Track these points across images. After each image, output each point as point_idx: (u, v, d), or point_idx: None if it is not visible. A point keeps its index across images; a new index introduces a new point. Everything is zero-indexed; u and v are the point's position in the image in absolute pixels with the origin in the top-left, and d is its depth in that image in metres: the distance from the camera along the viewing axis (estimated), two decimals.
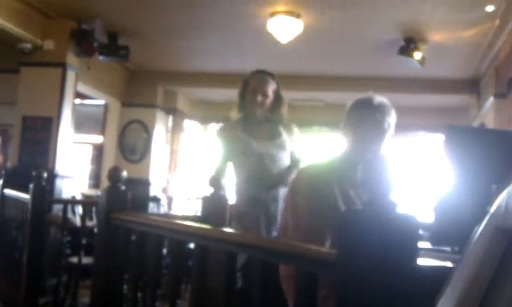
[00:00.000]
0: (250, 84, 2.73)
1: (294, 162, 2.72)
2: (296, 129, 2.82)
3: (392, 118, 1.80)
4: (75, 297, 3.29)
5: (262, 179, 2.59)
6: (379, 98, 1.81)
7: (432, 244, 1.72)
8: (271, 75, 2.78)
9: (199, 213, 3.24)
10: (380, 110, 1.78)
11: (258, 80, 2.74)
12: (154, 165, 7.00)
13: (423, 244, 1.74)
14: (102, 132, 7.10)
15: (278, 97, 2.76)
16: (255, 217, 2.55)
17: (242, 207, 2.62)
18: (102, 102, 7.04)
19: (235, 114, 2.82)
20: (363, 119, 1.78)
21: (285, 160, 2.69)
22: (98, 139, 7.19)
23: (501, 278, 0.63)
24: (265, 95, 2.70)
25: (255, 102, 2.69)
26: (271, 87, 2.74)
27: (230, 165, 2.75)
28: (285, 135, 2.74)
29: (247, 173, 2.65)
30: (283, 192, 2.57)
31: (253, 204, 2.57)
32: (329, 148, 7.83)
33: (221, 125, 2.93)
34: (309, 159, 2.51)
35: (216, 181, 2.70)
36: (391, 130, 1.81)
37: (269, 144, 2.68)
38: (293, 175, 2.52)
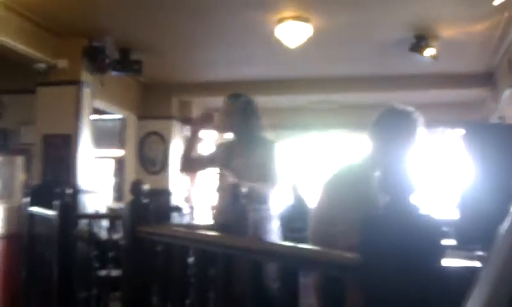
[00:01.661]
0: (223, 109, 3.07)
1: (263, 175, 2.84)
2: (274, 146, 2.99)
3: (419, 129, 1.84)
4: None
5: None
6: (403, 107, 1.85)
7: (458, 241, 1.73)
8: (237, 96, 3.09)
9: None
10: (404, 119, 1.82)
11: (225, 103, 3.08)
12: (174, 175, 7.07)
13: (448, 241, 1.75)
14: (122, 145, 7.21)
15: (245, 114, 3.00)
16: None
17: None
18: (119, 116, 7.15)
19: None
20: (388, 131, 1.81)
21: (253, 176, 2.82)
22: (119, 152, 7.30)
23: None
24: (227, 115, 3.03)
25: (221, 123, 3.08)
26: (232, 107, 3.03)
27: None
28: (259, 151, 2.93)
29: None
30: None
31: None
32: (346, 149, 7.82)
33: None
34: (330, 162, 2.59)
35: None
36: (417, 134, 1.84)
37: (238, 160, 2.94)
38: (264, 186, 2.80)
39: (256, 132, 3.01)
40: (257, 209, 2.79)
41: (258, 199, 2.79)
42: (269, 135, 3.09)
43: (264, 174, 2.83)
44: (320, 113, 7.68)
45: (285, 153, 3.18)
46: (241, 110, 3.01)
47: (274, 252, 1.58)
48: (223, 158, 3.04)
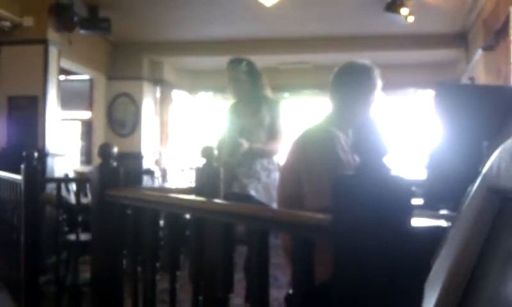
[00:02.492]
0: (227, 74, 3.21)
1: (272, 134, 3.11)
2: (278, 103, 3.26)
3: (376, 79, 1.82)
4: (75, 274, 3.32)
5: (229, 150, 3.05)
6: (362, 62, 1.83)
7: (426, 201, 1.74)
8: (239, 61, 3.22)
9: (193, 184, 3.25)
10: (364, 73, 1.80)
11: (229, 70, 3.20)
12: (145, 138, 6.96)
13: (416, 201, 1.76)
14: (90, 107, 7.03)
15: (252, 77, 3.18)
16: (227, 181, 2.98)
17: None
18: (87, 77, 6.94)
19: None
20: (348, 84, 1.80)
21: (261, 135, 3.10)
22: (86, 114, 7.12)
23: (495, 238, 0.64)
24: (237, 80, 3.16)
25: (232, 89, 3.19)
26: (241, 71, 3.16)
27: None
28: (265, 111, 3.14)
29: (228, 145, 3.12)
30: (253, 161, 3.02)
31: (225, 169, 2.97)
32: (319, 110, 7.82)
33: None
34: (301, 123, 2.67)
35: (207, 152, 2.77)
36: (377, 90, 1.82)
37: (249, 122, 3.12)
38: (271, 145, 3.07)
39: (262, 92, 3.19)
40: (268, 171, 3.07)
41: (269, 160, 3.09)
42: (272, 94, 3.30)
43: (274, 132, 3.10)
44: (293, 74, 7.61)
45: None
46: (246, 74, 3.16)
47: (245, 214, 1.56)
48: (230, 122, 3.20)
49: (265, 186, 3.03)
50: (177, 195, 2.27)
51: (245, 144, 2.98)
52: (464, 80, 6.21)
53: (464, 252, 0.66)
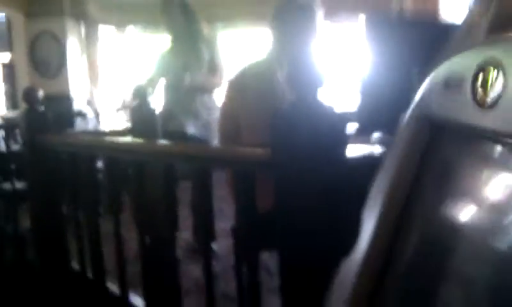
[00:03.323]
0: (161, 12, 3.11)
1: (211, 69, 3.09)
2: (215, 39, 3.44)
3: (317, 18, 1.81)
4: (15, 223, 3.21)
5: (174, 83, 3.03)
6: (305, 1, 1.80)
7: (360, 126, 1.81)
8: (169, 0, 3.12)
9: (129, 125, 3.17)
10: (305, 14, 1.78)
11: (163, 7, 3.09)
12: (73, 78, 6.61)
13: (351, 125, 1.82)
14: (9, 48, 6.52)
15: (187, 14, 3.09)
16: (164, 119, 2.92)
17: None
18: (2, 14, 6.38)
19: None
20: (288, 24, 1.77)
21: (201, 71, 3.07)
22: (6, 56, 6.62)
23: (427, 163, 0.68)
24: (172, 19, 3.07)
25: (166, 26, 3.12)
26: (175, 9, 3.07)
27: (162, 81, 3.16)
28: (203, 48, 3.09)
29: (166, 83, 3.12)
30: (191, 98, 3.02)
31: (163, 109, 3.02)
32: (256, 43, 7.71)
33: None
34: (242, 58, 2.69)
35: (140, 92, 2.71)
36: (317, 28, 1.82)
37: (187, 57, 3.06)
38: (211, 80, 3.06)
39: (198, 29, 3.12)
40: (208, 109, 3.06)
41: (209, 97, 3.08)
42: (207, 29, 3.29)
43: (213, 67, 3.06)
44: (228, 3, 7.38)
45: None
46: (180, 10, 3.08)
47: (185, 154, 1.56)
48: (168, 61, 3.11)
49: (205, 123, 3.02)
50: (114, 138, 2.21)
51: (188, 78, 2.96)
52: (395, 9, 6.29)
53: (400, 176, 0.70)
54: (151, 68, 3.26)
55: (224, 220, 1.99)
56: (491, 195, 0.58)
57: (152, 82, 3.12)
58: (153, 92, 3.12)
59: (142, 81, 3.13)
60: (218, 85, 3.10)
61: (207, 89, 3.08)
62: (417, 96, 0.70)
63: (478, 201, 0.60)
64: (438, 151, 0.66)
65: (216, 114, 2.97)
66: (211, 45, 3.16)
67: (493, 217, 0.56)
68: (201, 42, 3.10)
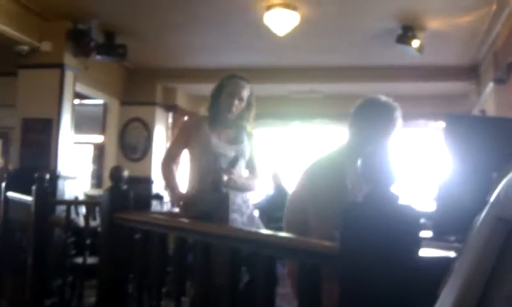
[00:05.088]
0: (227, 87, 2.83)
1: (252, 168, 2.86)
2: (255, 136, 2.94)
3: (397, 119, 1.84)
4: (81, 297, 3.31)
5: (210, 177, 2.62)
6: (385, 99, 1.85)
7: (435, 232, 1.72)
8: (247, 81, 2.88)
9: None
10: (386, 111, 1.81)
11: (235, 84, 2.82)
12: (156, 163, 7.00)
13: (425, 233, 1.74)
14: (103, 131, 7.10)
15: (250, 103, 2.86)
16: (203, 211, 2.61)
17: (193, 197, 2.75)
18: (101, 101, 7.04)
19: (204, 111, 2.94)
20: (369, 119, 1.81)
21: (241, 166, 2.81)
22: (99, 138, 7.20)
23: (502, 267, 0.63)
24: (241, 100, 2.80)
25: (231, 105, 2.79)
26: (246, 93, 2.83)
27: (185, 153, 2.90)
28: (246, 142, 2.85)
29: (199, 168, 2.78)
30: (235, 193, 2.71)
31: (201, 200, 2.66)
32: (330, 139, 7.82)
33: (190, 115, 3.03)
34: (314, 152, 2.62)
35: (168, 169, 2.84)
36: (396, 130, 1.84)
37: (230, 147, 2.79)
38: (254, 180, 2.82)
39: (245, 122, 2.88)
40: (247, 203, 2.82)
41: (247, 192, 2.82)
42: (248, 126, 2.95)
43: (253, 167, 2.85)
44: (304, 103, 7.65)
45: (267, 142, 3.05)
46: (248, 98, 2.85)
47: (253, 239, 1.56)
48: (206, 139, 2.80)
49: (249, 217, 2.82)
50: (185, 219, 2.27)
51: (234, 178, 2.69)
52: (475, 113, 6.20)
53: (471, 280, 0.65)
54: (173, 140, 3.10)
55: None
56: None
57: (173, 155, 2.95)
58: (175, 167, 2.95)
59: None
60: (255, 188, 2.87)
61: (246, 190, 2.82)
62: (493, 197, 0.67)
63: None
64: None
65: (252, 208, 2.84)
66: (252, 142, 2.90)
67: None
68: (245, 136, 2.87)
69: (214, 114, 2.85)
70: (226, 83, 2.85)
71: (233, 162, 2.71)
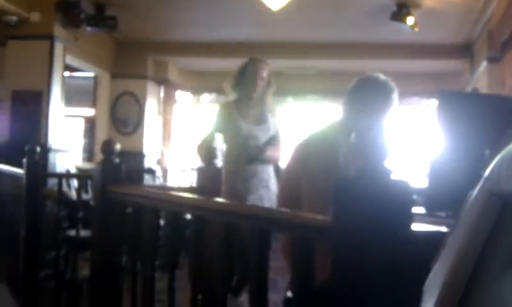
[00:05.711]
0: (249, 69, 3.10)
1: (277, 141, 3.13)
2: (277, 112, 3.27)
3: (394, 100, 1.83)
4: (74, 270, 3.32)
5: (242, 157, 3.00)
6: (383, 78, 1.84)
7: (427, 209, 1.75)
8: (266, 62, 3.17)
9: (194, 185, 3.26)
10: (383, 91, 1.81)
11: (257, 65, 3.10)
12: (148, 137, 6.98)
13: (417, 209, 1.77)
14: (93, 104, 7.05)
15: (269, 82, 3.14)
16: (235, 187, 2.97)
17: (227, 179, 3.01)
18: (91, 74, 6.96)
19: (229, 93, 3.25)
20: (365, 98, 1.80)
21: (269, 143, 3.10)
22: (90, 111, 7.14)
23: (495, 242, 0.64)
24: (262, 80, 3.08)
25: (254, 86, 3.07)
26: (266, 73, 3.11)
27: (220, 137, 3.18)
28: (270, 120, 3.13)
29: (231, 150, 3.08)
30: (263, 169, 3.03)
31: (234, 178, 2.99)
32: (322, 116, 7.83)
33: (220, 103, 3.47)
34: (304, 128, 2.72)
35: (204, 149, 2.83)
36: (392, 109, 1.84)
37: (256, 127, 3.08)
38: (275, 152, 3.09)
39: (267, 99, 3.16)
40: (273, 179, 3.08)
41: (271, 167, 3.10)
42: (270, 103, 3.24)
43: (277, 140, 3.12)
44: (297, 78, 7.62)
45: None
46: (266, 77, 3.11)
47: (247, 214, 1.57)
48: (235, 124, 3.07)
49: (274, 192, 3.01)
50: (178, 193, 2.28)
51: (264, 151, 3.00)
52: (468, 90, 6.22)
53: (464, 254, 0.66)
54: (207, 127, 3.30)
55: (276, 293, 1.94)
56: None
57: (206, 142, 3.12)
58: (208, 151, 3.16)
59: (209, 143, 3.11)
60: (279, 158, 3.13)
61: (271, 162, 3.11)
62: (487, 172, 0.67)
63: None
64: (507, 227, 0.62)
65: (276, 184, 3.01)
66: (275, 118, 3.20)
67: None
68: (269, 114, 3.16)
69: (242, 96, 3.13)
70: (248, 65, 3.12)
71: (267, 144, 3.03)
